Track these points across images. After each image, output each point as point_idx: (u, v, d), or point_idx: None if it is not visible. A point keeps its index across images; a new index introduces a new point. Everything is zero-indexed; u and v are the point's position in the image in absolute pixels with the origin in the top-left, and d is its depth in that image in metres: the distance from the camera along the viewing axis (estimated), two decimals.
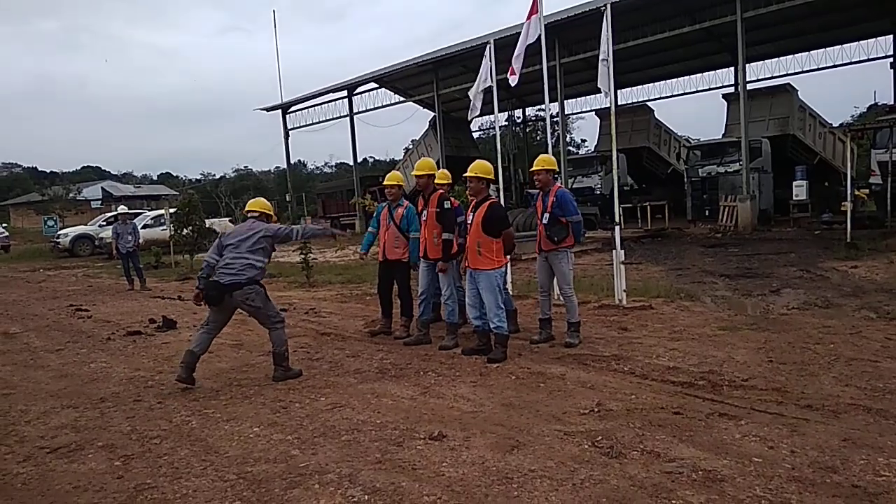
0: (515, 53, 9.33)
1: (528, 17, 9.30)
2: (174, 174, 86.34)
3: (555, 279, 6.90)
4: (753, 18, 19.69)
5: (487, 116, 38.53)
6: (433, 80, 30.38)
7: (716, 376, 5.31)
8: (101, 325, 9.59)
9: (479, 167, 6.27)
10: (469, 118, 11.20)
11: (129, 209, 18.75)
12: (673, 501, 3.26)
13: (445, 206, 6.71)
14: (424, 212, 6.87)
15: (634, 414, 4.54)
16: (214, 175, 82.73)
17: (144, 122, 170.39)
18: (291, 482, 3.73)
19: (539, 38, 9.25)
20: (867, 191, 20.23)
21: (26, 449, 4.52)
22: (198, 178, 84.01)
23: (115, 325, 9.38)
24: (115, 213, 29.98)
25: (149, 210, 29.96)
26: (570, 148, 45.65)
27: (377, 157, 73.46)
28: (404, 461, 3.93)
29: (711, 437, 4.05)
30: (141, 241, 15.42)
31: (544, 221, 6.61)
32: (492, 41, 10.36)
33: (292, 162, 40.31)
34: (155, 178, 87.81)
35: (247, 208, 6.31)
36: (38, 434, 4.81)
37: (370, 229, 7.82)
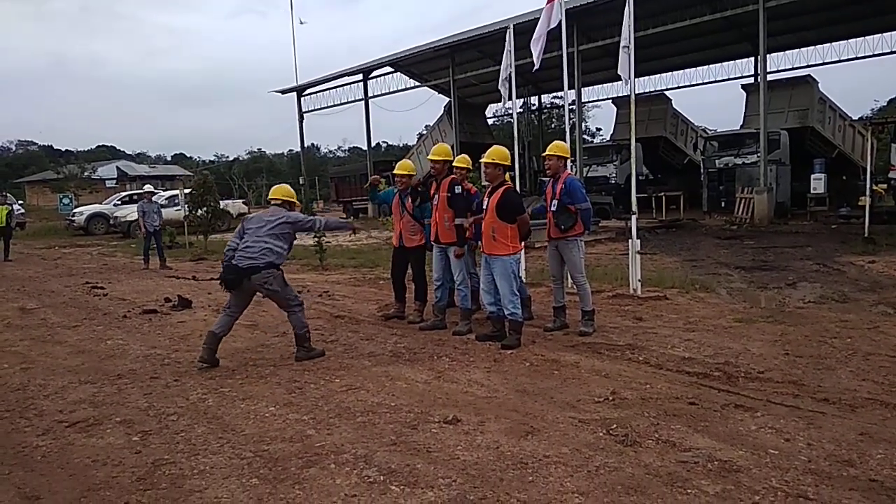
0: (535, 37, 9.24)
1: (549, 2, 9.20)
2: (188, 155, 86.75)
3: (566, 267, 6.88)
4: (775, 8, 19.44)
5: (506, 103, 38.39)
6: (449, 65, 30.24)
7: (731, 368, 5.29)
8: (116, 302, 9.67)
9: (495, 153, 6.23)
10: (501, 107, 11.21)
11: (141, 189, 18.82)
12: (688, 491, 3.25)
13: (456, 190, 6.70)
14: (436, 196, 6.85)
15: (649, 403, 4.53)
16: (228, 157, 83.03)
17: (159, 102, 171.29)
18: (308, 461, 3.75)
19: (559, 24, 9.16)
20: (885, 186, 20.05)
21: (45, 422, 4.58)
22: (211, 159, 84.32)
23: (130, 304, 9.46)
24: (130, 192, 30.19)
25: (163, 190, 30.07)
26: (585, 136, 45.39)
27: (390, 142, 73.50)
28: (419, 444, 3.95)
29: (727, 428, 4.04)
30: (164, 219, 15.57)
31: (552, 209, 6.58)
32: (511, 26, 10.28)
33: (306, 145, 40.31)
34: (169, 158, 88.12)
35: (270, 195, 6.29)
36: (57, 408, 4.87)
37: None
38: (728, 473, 3.43)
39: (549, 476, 3.47)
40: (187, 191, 19.58)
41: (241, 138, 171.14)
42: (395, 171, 7.64)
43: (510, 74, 10.06)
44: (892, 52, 27.23)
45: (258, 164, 73.72)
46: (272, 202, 6.22)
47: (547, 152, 6.74)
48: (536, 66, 9.28)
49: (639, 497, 3.21)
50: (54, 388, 5.39)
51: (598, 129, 58.33)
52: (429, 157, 7.12)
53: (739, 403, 4.45)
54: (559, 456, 3.70)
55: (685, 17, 21.76)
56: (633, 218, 8.87)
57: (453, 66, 29.87)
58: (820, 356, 5.54)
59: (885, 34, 26.86)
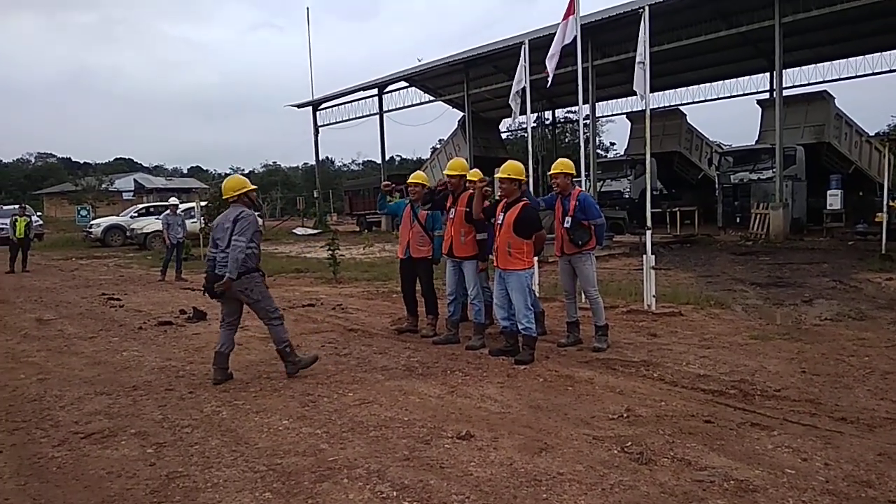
0: (550, 53, 9.29)
1: (565, 18, 9.25)
2: (204, 168, 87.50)
3: (578, 282, 6.86)
4: (791, 24, 19.40)
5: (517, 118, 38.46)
6: (463, 80, 30.36)
7: (747, 385, 5.24)
8: (132, 314, 9.75)
9: (510, 168, 6.24)
10: (512, 122, 11.27)
11: (158, 202, 19.00)
12: None
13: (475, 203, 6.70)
14: (452, 210, 6.86)
15: (664, 421, 4.50)
16: (244, 169, 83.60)
17: (177, 115, 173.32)
18: (321, 476, 3.75)
19: (574, 40, 9.20)
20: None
21: (61, 433, 4.61)
22: (227, 171, 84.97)
23: (146, 315, 9.53)
24: (146, 204, 30.50)
25: (179, 203, 30.31)
26: (599, 151, 45.39)
27: (404, 156, 73.78)
28: (432, 459, 3.94)
29: (743, 447, 4.00)
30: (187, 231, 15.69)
31: (566, 225, 6.57)
32: (527, 42, 10.34)
33: (321, 159, 40.60)
34: (185, 171, 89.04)
35: (223, 194, 5.98)
36: (73, 419, 4.90)
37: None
38: (744, 493, 3.39)
39: (562, 494, 3.45)
40: (203, 203, 19.73)
41: (256, 151, 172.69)
42: (409, 181, 7.67)
43: (523, 89, 10.10)
44: None
45: (273, 177, 74.32)
46: (229, 201, 5.93)
47: (553, 171, 6.75)
48: (550, 83, 9.32)
49: None
50: (70, 399, 5.43)
51: (612, 144, 58.36)
52: (445, 171, 7.14)
53: (756, 422, 4.40)
54: (573, 473, 3.68)
55: (700, 32, 21.74)
56: (648, 233, 8.84)
57: (468, 80, 29.98)
58: (837, 374, 5.48)
59: None
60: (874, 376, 5.39)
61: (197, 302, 10.29)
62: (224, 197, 6.00)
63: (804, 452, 3.88)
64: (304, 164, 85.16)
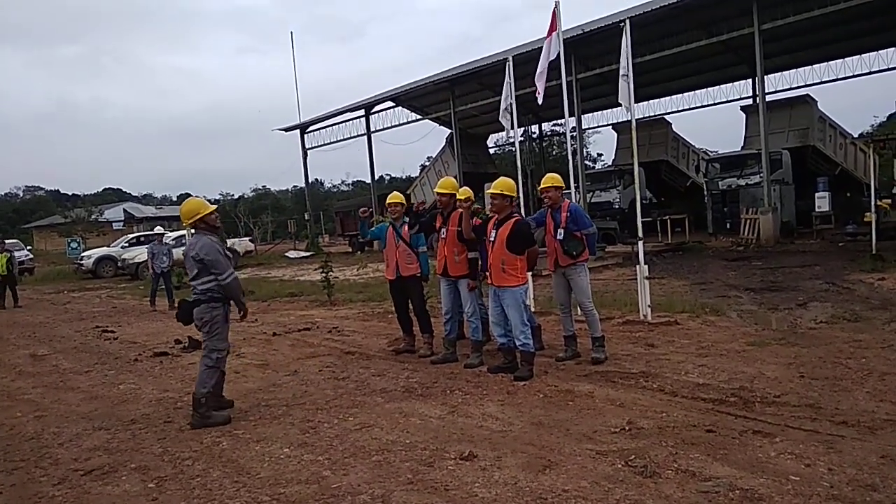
0: (538, 71, 9.38)
1: (549, 34, 9.35)
2: (194, 194, 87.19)
3: (572, 295, 6.87)
4: (771, 30, 19.64)
5: (504, 132, 38.68)
6: (449, 97, 30.54)
7: (747, 392, 5.25)
8: (127, 346, 9.68)
9: (502, 184, 6.27)
10: (506, 136, 11.35)
11: (151, 230, 18.93)
12: None
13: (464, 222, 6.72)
14: (444, 230, 6.88)
15: (666, 432, 4.49)
16: (233, 195, 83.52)
17: (164, 143, 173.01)
18: (325, 503, 3.73)
19: (559, 55, 9.30)
20: (889, 201, 20.02)
21: (60, 471, 4.56)
22: (217, 197, 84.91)
23: (141, 347, 9.46)
24: (137, 234, 30.38)
25: (171, 231, 30.25)
26: (587, 162, 45.57)
27: (393, 175, 73.91)
28: (436, 482, 3.92)
29: (746, 455, 4.00)
30: (174, 259, 15.59)
31: (559, 237, 6.61)
32: (510, 58, 10.43)
33: (310, 180, 40.65)
34: (175, 199, 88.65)
35: (183, 221, 5.81)
36: (72, 456, 4.85)
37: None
38: (750, 502, 3.40)
39: None
40: (192, 231, 19.67)
41: (245, 176, 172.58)
42: (387, 201, 7.69)
43: (510, 105, 10.18)
44: (889, 69, 27.41)
45: (263, 200, 74.14)
46: (189, 229, 5.80)
47: (544, 185, 6.81)
48: (540, 101, 9.40)
49: None
50: (68, 435, 5.38)
51: (600, 155, 58.67)
52: (435, 190, 7.17)
53: (757, 429, 4.41)
54: (578, 490, 3.67)
55: (682, 42, 21.98)
56: (640, 243, 8.88)
57: (454, 98, 30.17)
58: (835, 378, 5.50)
59: (881, 51, 27.08)
60: (872, 378, 5.42)
61: (191, 331, 10.23)
62: (183, 223, 5.91)
63: (807, 458, 3.89)
64: (294, 186, 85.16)
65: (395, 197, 7.65)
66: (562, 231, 6.60)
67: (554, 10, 9.34)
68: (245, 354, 8.28)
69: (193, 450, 4.82)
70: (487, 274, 6.35)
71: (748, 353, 6.53)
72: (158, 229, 17.12)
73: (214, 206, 5.83)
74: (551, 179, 6.84)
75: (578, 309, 7.03)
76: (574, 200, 8.05)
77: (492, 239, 6.19)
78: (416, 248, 7.41)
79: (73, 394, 6.89)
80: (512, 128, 10.77)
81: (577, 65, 23.76)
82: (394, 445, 4.60)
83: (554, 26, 9.33)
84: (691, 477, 3.75)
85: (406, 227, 7.41)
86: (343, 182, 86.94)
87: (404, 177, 68.67)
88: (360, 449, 4.58)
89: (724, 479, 3.67)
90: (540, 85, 9.40)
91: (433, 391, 5.95)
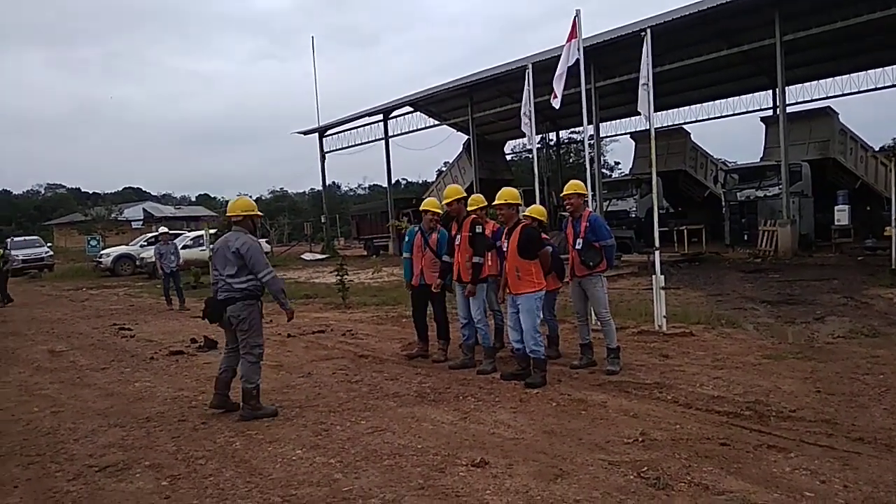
0: (557, 74, 9.38)
1: (568, 41, 9.35)
2: (212, 195, 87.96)
3: (589, 304, 6.88)
4: (792, 41, 19.49)
5: (521, 139, 38.70)
6: (467, 103, 30.58)
7: (762, 406, 5.20)
8: (143, 344, 9.77)
9: (506, 194, 6.33)
10: (528, 142, 11.37)
11: (170, 230, 19.09)
12: None
13: (477, 230, 6.74)
14: (458, 236, 6.89)
15: (680, 444, 4.47)
16: (251, 196, 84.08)
17: (184, 144, 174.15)
18: None
19: (577, 62, 9.29)
20: None
21: (76, 467, 4.61)
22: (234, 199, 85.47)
23: (157, 345, 9.56)
24: (155, 233, 30.66)
25: (188, 231, 30.54)
26: (604, 171, 45.46)
27: (410, 179, 74.13)
28: (447, 488, 3.92)
29: (760, 470, 3.97)
30: (181, 261, 15.71)
31: (577, 247, 6.62)
32: (530, 65, 10.44)
33: (327, 183, 40.86)
34: (193, 199, 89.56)
35: (228, 212, 5.90)
36: (87, 452, 4.91)
37: (405, 255, 7.78)
38: None
39: None
40: (212, 231, 19.83)
41: (263, 178, 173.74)
42: (421, 208, 7.67)
43: (530, 111, 10.20)
44: None
45: (280, 203, 74.71)
46: (232, 221, 5.85)
47: (566, 192, 6.80)
48: (557, 105, 9.40)
49: None
50: (84, 431, 5.44)
51: (617, 163, 58.38)
52: (443, 201, 7.18)
53: (772, 444, 4.37)
54: (590, 500, 3.66)
55: (702, 52, 21.85)
56: (657, 253, 8.84)
57: (472, 104, 30.19)
58: (852, 393, 5.44)
59: None
60: (890, 394, 5.35)
61: (207, 331, 10.30)
62: (228, 214, 5.91)
63: (822, 474, 3.85)
64: (311, 189, 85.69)
65: (430, 205, 7.56)
66: (580, 241, 6.60)
67: (574, 18, 9.34)
68: None
69: (207, 449, 4.85)
70: (503, 281, 6.35)
71: (764, 367, 6.47)
72: (163, 229, 17.26)
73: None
74: (574, 186, 6.82)
75: (594, 318, 7.03)
76: (592, 208, 8.01)
77: (504, 248, 6.21)
78: (442, 256, 7.39)
79: (89, 390, 6.97)
80: (531, 134, 10.79)
81: (597, 73, 23.74)
82: (405, 450, 4.61)
83: (574, 33, 9.32)
84: (704, 490, 3.72)
85: (435, 235, 7.40)
86: (360, 185, 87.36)
87: (420, 181, 68.89)
88: (371, 452, 4.59)
89: (738, 494, 3.64)
90: (558, 89, 9.40)
91: (446, 396, 5.95)
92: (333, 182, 79.47)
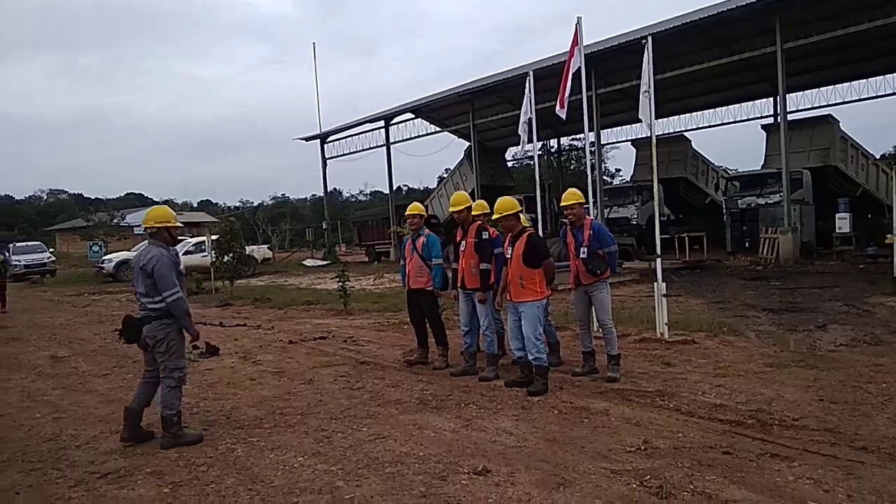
0: (562, 84, 9.41)
1: (572, 49, 9.38)
2: (213, 201, 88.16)
3: (593, 311, 6.88)
4: (793, 49, 19.53)
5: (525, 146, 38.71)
6: (468, 110, 30.62)
7: (765, 415, 5.20)
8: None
9: (503, 205, 6.33)
10: (520, 149, 11.44)
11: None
12: None
13: (484, 236, 6.76)
14: (463, 242, 6.90)
15: (682, 453, 4.46)
16: (253, 202, 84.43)
17: (186, 150, 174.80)
18: None
19: (580, 69, 9.32)
20: None
21: (77, 474, 4.61)
22: (236, 205, 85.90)
23: None
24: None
25: (190, 237, 30.54)
26: (605, 178, 45.45)
27: (411, 186, 74.17)
28: (449, 496, 3.91)
29: (763, 479, 3.96)
30: (182, 267, 15.65)
31: (582, 256, 6.58)
32: (531, 73, 10.47)
33: (329, 190, 40.91)
34: (195, 205, 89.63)
35: (143, 223, 5.40)
36: (89, 459, 4.91)
37: (402, 261, 7.85)
38: None
39: None
40: (214, 237, 19.84)
41: (265, 184, 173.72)
42: (406, 212, 7.72)
43: (530, 119, 10.23)
44: None
45: (282, 209, 74.84)
46: (146, 231, 5.33)
47: (565, 202, 6.72)
48: (563, 115, 9.42)
49: None
50: (86, 438, 5.45)
51: (618, 170, 58.43)
52: (450, 209, 7.18)
53: (775, 453, 4.37)
54: None
55: (703, 59, 21.88)
56: (658, 260, 8.83)
57: (473, 111, 30.25)
58: (855, 402, 5.43)
59: None
60: (893, 403, 5.34)
61: (210, 337, 10.32)
62: (144, 225, 5.41)
63: (826, 484, 3.84)
64: (313, 195, 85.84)
65: (414, 209, 7.67)
66: (585, 250, 6.57)
67: (576, 25, 9.37)
68: (261, 362, 8.34)
69: (209, 456, 4.85)
70: (508, 290, 6.35)
71: (766, 375, 6.46)
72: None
73: (181, 224, 5.60)
74: (573, 196, 6.75)
75: (595, 325, 7.03)
76: (593, 215, 8.01)
77: (508, 256, 6.22)
78: (429, 260, 7.41)
79: (91, 396, 6.96)
80: (530, 141, 10.83)
81: (598, 80, 23.77)
82: (407, 458, 4.60)
83: (576, 41, 9.35)
84: (707, 500, 3.72)
85: (422, 239, 7.43)
86: (361, 192, 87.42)
87: (422, 188, 68.97)
88: (373, 460, 4.59)
89: (741, 503, 3.63)
90: (563, 98, 9.43)
91: (447, 404, 5.95)
92: (335, 188, 79.68)
